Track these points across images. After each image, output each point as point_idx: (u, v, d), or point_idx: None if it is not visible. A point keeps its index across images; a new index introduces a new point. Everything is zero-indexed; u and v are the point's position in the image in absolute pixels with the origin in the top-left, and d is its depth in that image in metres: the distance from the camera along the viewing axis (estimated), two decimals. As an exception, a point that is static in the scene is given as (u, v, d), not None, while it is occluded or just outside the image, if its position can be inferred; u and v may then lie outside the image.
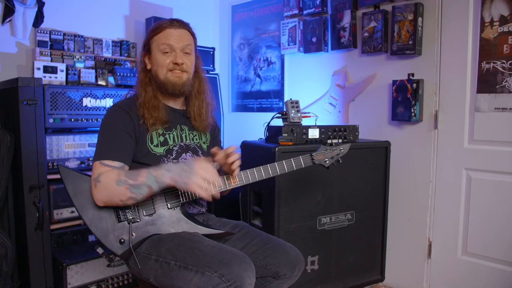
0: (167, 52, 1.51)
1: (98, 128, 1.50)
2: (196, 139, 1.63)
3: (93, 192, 1.37)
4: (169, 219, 1.47)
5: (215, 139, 1.75)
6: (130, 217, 1.42)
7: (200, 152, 1.62)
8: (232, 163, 1.46)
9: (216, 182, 1.39)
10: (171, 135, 1.55)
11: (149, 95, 1.52)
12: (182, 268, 1.31)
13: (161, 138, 1.52)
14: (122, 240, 1.41)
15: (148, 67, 1.57)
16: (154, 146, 1.50)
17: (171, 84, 1.52)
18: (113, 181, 1.35)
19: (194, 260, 1.30)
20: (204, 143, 1.66)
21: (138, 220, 1.43)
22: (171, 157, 1.52)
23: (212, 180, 1.36)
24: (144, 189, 1.36)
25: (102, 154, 1.41)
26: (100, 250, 1.47)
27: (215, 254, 1.31)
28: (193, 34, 1.59)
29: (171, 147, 1.53)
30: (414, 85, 2.25)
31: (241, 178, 1.51)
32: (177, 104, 1.62)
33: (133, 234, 1.42)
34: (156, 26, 1.55)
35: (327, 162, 1.64)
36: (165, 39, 1.51)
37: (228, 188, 1.50)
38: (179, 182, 1.34)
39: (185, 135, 1.59)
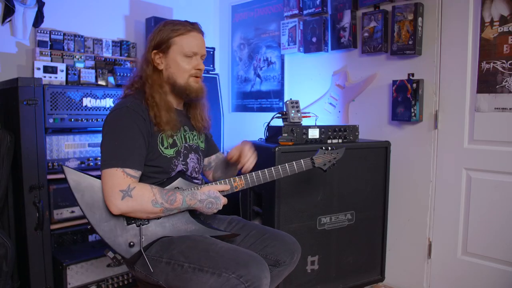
0: (190, 57, 1.49)
1: (97, 128, 1.48)
2: (196, 139, 1.63)
3: (115, 202, 1.31)
4: (177, 221, 1.46)
5: (209, 139, 1.76)
6: (139, 220, 1.39)
7: (199, 151, 1.63)
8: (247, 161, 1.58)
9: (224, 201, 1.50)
10: (178, 136, 1.54)
11: (164, 98, 1.48)
12: (197, 270, 1.30)
13: (170, 140, 1.50)
14: (132, 243, 1.37)
15: (160, 67, 1.50)
16: (164, 148, 1.47)
17: (194, 90, 1.51)
18: (148, 200, 1.34)
19: (210, 262, 1.30)
20: (202, 142, 1.67)
21: (147, 222, 1.41)
22: (180, 159, 1.51)
23: (224, 202, 1.49)
24: (174, 211, 1.42)
25: (123, 161, 1.34)
26: (111, 255, 1.41)
27: (231, 255, 1.31)
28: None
29: (179, 149, 1.52)
30: (414, 85, 2.25)
31: (246, 180, 1.53)
32: (179, 106, 1.61)
33: (143, 237, 1.39)
34: (178, 26, 1.48)
35: (325, 165, 1.69)
36: (191, 43, 1.48)
37: (234, 190, 1.53)
38: (205, 211, 1.46)
39: (188, 136, 1.59)
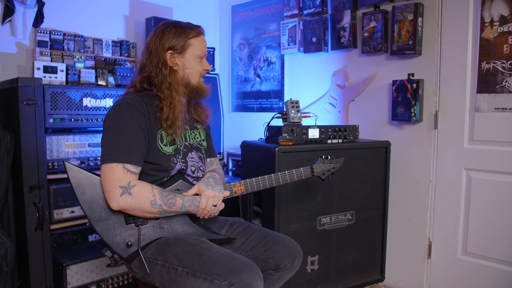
0: (201, 58, 1.55)
1: (97, 128, 1.47)
2: (197, 137, 1.64)
3: (115, 198, 1.32)
4: (176, 222, 1.46)
5: (207, 136, 1.75)
6: (139, 220, 1.40)
7: (202, 150, 1.63)
8: None
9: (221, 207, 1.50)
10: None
11: (182, 100, 1.49)
12: (190, 275, 1.30)
13: (170, 138, 1.50)
14: (130, 243, 1.38)
15: (176, 68, 1.50)
16: (163, 145, 1.48)
17: (206, 90, 1.58)
18: (147, 200, 1.35)
19: (203, 267, 1.30)
20: (203, 140, 1.67)
21: (146, 222, 1.41)
22: (179, 157, 1.51)
23: (222, 207, 1.51)
24: (172, 214, 1.42)
25: (123, 156, 1.35)
26: (108, 254, 1.43)
27: (224, 262, 1.31)
28: None
29: (178, 147, 1.52)
30: (414, 85, 2.25)
31: (246, 186, 1.56)
32: None
33: (140, 237, 1.40)
34: (190, 28, 1.52)
35: (324, 174, 1.72)
36: (202, 46, 1.55)
37: (234, 195, 1.55)
38: (201, 215, 1.47)
39: (188, 134, 1.60)
